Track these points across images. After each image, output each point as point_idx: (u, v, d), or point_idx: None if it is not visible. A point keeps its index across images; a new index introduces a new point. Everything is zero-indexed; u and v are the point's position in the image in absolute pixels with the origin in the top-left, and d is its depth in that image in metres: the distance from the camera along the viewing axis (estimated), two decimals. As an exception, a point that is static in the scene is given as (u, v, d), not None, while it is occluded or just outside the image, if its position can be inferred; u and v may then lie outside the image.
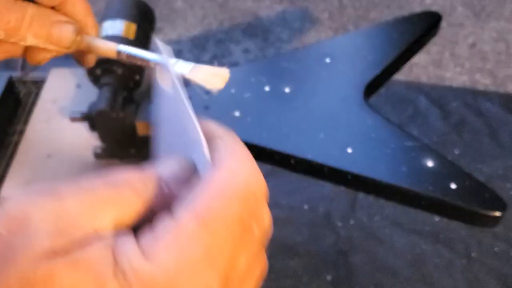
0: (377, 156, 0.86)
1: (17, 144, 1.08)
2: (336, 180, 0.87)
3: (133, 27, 1.03)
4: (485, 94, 1.68)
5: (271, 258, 1.31)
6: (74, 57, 0.45)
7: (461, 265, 1.30)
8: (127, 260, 0.23)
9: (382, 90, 1.65)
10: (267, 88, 0.98)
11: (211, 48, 1.81)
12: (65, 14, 0.41)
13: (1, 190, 1.00)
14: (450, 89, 1.70)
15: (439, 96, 1.68)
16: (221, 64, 0.38)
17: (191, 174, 0.29)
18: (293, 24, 1.91)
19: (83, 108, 1.02)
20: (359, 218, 1.39)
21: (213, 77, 0.37)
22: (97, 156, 1.04)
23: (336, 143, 0.88)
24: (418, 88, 1.70)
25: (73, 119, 1.02)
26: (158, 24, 1.88)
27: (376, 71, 0.99)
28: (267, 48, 1.82)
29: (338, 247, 1.33)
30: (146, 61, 0.39)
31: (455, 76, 1.74)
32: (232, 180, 0.27)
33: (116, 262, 0.23)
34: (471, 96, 1.68)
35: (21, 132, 1.11)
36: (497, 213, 0.79)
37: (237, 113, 0.94)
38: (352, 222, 1.38)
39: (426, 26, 1.07)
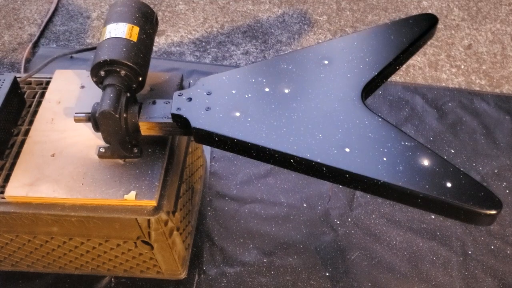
0: (374, 155, 0.87)
1: (22, 144, 1.10)
2: (335, 179, 0.89)
3: (136, 29, 1.05)
4: (481, 95, 1.69)
5: (270, 255, 1.34)
6: None
7: (457, 263, 1.31)
8: None
9: (379, 91, 1.67)
10: (267, 89, 0.99)
11: (212, 50, 1.83)
12: None
13: (7, 189, 1.02)
14: (446, 90, 1.71)
15: (435, 96, 1.69)
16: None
17: None
18: (292, 27, 1.92)
19: (87, 108, 1.04)
20: (357, 216, 1.40)
21: None
22: (101, 156, 1.06)
23: (334, 143, 0.89)
24: (414, 89, 1.71)
25: (77, 120, 1.03)
26: (161, 26, 1.90)
27: (374, 73, 1.00)
28: (267, 50, 1.84)
29: (336, 244, 1.34)
30: None
31: (451, 77, 1.76)
32: None
33: None
34: (467, 97, 1.69)
35: (26, 132, 1.12)
36: (493, 212, 0.80)
37: (237, 113, 0.95)
38: (350, 220, 1.40)
39: (423, 28, 1.08)
